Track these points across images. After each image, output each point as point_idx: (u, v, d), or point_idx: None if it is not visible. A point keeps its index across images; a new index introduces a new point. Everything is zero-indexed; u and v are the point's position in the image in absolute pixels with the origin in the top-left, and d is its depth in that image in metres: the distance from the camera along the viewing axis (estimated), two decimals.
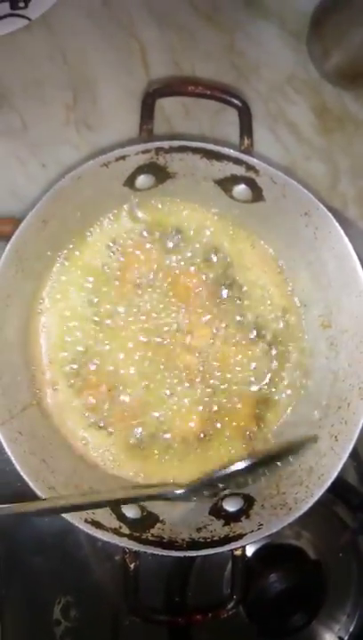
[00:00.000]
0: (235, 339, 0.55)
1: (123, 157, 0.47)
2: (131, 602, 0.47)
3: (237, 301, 0.55)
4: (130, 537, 0.47)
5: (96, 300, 0.54)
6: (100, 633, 0.59)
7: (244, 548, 0.49)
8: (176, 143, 0.47)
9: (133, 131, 0.53)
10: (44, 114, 0.59)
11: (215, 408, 0.55)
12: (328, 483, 0.47)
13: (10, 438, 0.45)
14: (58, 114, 0.59)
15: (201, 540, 0.48)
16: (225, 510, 0.50)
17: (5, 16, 0.56)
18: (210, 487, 0.48)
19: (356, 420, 0.48)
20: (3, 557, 0.58)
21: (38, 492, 0.45)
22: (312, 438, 0.50)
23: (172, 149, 0.48)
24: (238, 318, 0.55)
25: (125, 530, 0.47)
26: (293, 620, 0.57)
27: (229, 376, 0.55)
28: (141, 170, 0.49)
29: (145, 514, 0.49)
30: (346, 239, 0.48)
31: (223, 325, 0.55)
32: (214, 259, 0.55)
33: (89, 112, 0.60)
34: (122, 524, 0.47)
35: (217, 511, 0.50)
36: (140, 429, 0.54)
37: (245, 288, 0.56)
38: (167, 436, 0.54)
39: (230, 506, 0.50)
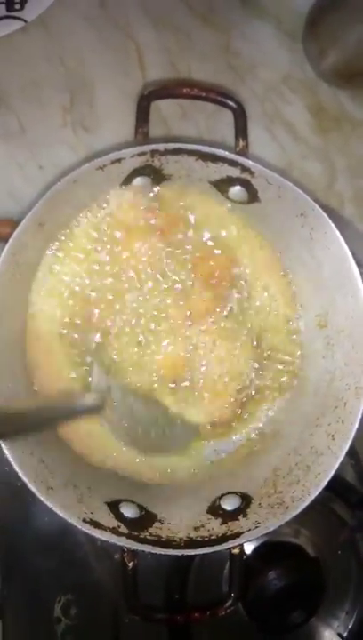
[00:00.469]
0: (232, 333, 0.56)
1: (118, 160, 0.47)
2: (130, 600, 0.48)
3: (236, 294, 0.56)
4: (128, 536, 0.47)
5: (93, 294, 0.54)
6: (101, 631, 0.60)
7: (242, 546, 0.49)
8: (171, 145, 0.48)
9: (129, 132, 0.53)
10: (41, 116, 0.59)
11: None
12: (325, 482, 0.48)
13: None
14: (55, 116, 0.60)
15: (199, 538, 0.48)
16: (223, 509, 0.51)
17: (1, 18, 0.56)
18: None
19: (352, 418, 0.48)
20: (3, 557, 0.58)
21: (36, 492, 0.45)
22: None
23: (167, 152, 0.48)
24: (240, 318, 0.56)
25: (124, 529, 0.47)
26: (292, 618, 0.57)
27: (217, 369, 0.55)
28: (137, 172, 0.49)
29: (143, 513, 0.50)
30: (342, 240, 0.49)
31: (224, 314, 0.55)
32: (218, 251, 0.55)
33: (86, 114, 0.60)
34: (120, 524, 0.48)
35: (215, 510, 0.51)
36: None
37: (247, 280, 0.56)
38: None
39: (228, 505, 0.51)
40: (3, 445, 0.45)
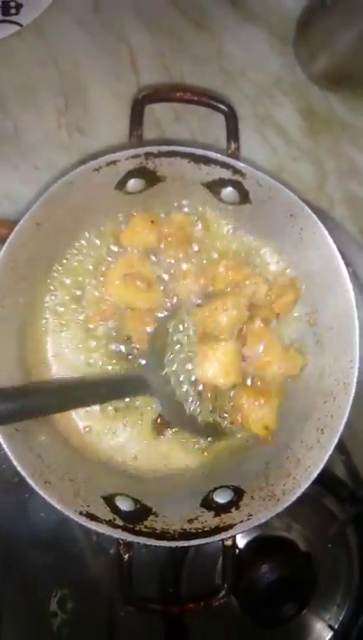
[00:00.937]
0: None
1: (113, 162, 0.48)
2: (125, 592, 0.48)
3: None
4: (124, 528, 0.48)
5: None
6: (96, 625, 0.60)
7: (234, 538, 0.50)
8: (165, 148, 0.49)
9: (123, 134, 0.54)
10: (36, 118, 0.60)
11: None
12: (315, 474, 0.48)
13: (7, 435, 0.46)
14: (50, 118, 0.61)
15: (193, 530, 0.49)
16: (216, 502, 0.51)
17: None
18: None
19: (341, 413, 0.49)
20: (0, 553, 0.59)
21: (35, 486, 0.46)
22: None
23: (161, 154, 0.49)
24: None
25: (119, 522, 0.48)
26: (284, 610, 0.58)
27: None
28: (131, 174, 0.50)
29: (138, 506, 0.50)
30: (330, 240, 0.50)
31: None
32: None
33: (80, 116, 0.61)
34: (116, 517, 0.48)
35: (208, 503, 0.51)
36: None
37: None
38: None
39: (221, 498, 0.51)
40: (2, 442, 0.46)
